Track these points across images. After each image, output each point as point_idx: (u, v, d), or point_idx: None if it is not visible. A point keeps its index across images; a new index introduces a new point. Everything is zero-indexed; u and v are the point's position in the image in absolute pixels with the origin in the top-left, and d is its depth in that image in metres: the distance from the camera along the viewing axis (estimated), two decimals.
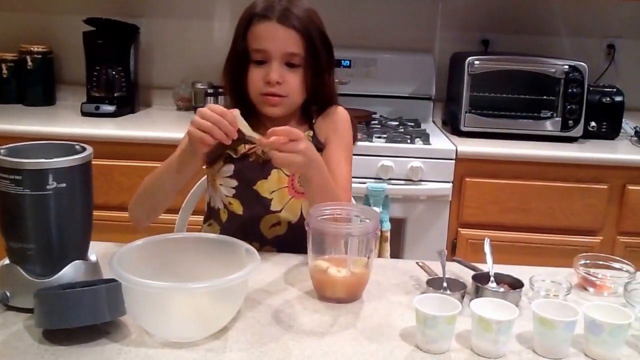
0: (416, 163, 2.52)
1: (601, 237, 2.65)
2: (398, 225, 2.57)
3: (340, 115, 1.67)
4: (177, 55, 3.14)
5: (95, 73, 2.81)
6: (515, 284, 1.32)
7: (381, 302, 1.30)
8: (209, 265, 1.20)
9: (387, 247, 2.45)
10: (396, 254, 2.53)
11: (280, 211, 1.59)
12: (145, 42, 3.09)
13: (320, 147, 1.59)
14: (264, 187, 1.58)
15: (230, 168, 1.59)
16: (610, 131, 2.87)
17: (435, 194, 2.55)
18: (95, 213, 2.41)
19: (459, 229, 2.62)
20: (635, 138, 2.87)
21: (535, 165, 2.60)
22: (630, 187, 2.60)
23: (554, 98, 2.78)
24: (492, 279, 1.34)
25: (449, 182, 2.56)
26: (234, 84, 1.57)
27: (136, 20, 3.01)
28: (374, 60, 3.05)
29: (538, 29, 3.12)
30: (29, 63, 2.88)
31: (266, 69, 1.50)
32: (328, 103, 1.65)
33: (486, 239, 1.44)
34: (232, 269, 1.12)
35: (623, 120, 2.96)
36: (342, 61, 3.01)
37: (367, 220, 1.29)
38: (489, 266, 1.37)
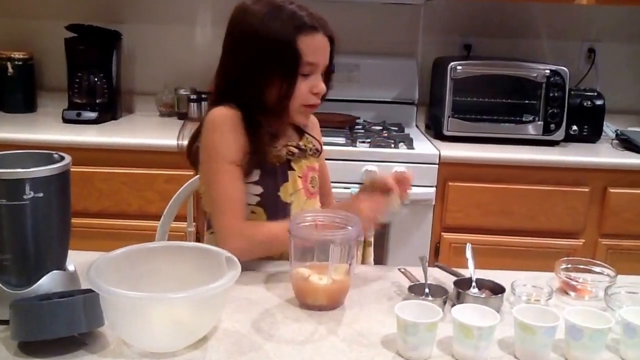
0: (400, 168, 2.52)
1: (583, 240, 2.67)
2: (382, 230, 2.57)
3: (315, 121, 1.73)
4: (160, 61, 3.13)
5: (76, 79, 2.79)
6: (497, 289, 1.32)
7: (363, 309, 1.30)
8: (189, 274, 1.19)
9: (371, 251, 2.43)
10: (380, 258, 2.53)
11: None
12: (127, 48, 3.07)
13: (319, 150, 1.68)
14: (285, 192, 1.57)
15: (257, 173, 1.54)
16: (591, 134, 2.89)
17: (418, 198, 2.55)
18: (75, 220, 2.39)
19: (442, 233, 2.63)
20: (616, 141, 2.89)
21: (517, 169, 2.61)
22: (611, 190, 2.62)
23: (535, 102, 2.79)
24: (473, 284, 1.34)
25: (432, 186, 2.57)
26: (257, 90, 1.51)
27: (118, 27, 2.99)
28: (357, 65, 3.05)
29: (520, 33, 3.14)
30: (10, 70, 2.85)
31: (312, 81, 1.50)
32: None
33: (468, 244, 1.44)
34: (213, 277, 1.10)
35: (604, 123, 2.99)
36: None
37: (349, 227, 1.29)
38: (470, 271, 1.37)
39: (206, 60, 3.10)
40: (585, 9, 3.03)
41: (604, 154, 2.73)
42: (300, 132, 1.66)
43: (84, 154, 2.52)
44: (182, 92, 2.97)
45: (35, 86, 3.02)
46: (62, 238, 1.23)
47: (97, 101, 2.80)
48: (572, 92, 2.88)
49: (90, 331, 1.12)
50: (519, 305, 1.18)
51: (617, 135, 2.92)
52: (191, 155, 1.60)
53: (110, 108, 2.88)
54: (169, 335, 1.11)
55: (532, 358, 1.12)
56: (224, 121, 1.49)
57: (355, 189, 2.46)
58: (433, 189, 2.57)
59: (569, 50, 3.15)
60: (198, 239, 2.31)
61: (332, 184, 2.52)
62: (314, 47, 1.47)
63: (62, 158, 1.22)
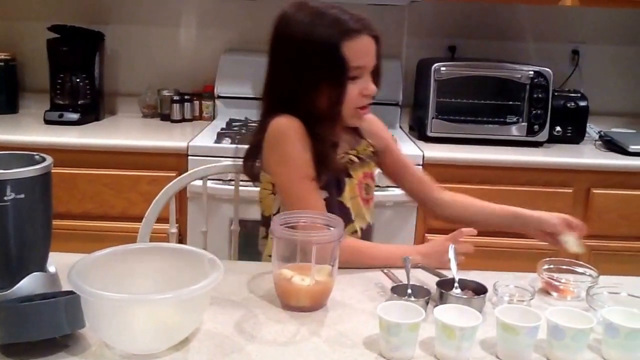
0: None
1: None
2: (366, 232, 2.55)
3: (380, 124, 1.73)
4: (143, 62, 3.12)
5: (59, 80, 2.77)
6: (479, 290, 1.32)
7: (345, 310, 1.30)
8: (172, 275, 1.18)
9: None
10: None
11: (354, 219, 1.62)
12: (110, 49, 3.06)
13: (376, 155, 1.69)
14: (346, 196, 1.59)
15: (322, 179, 1.54)
16: (575, 135, 2.91)
17: (402, 200, 2.54)
18: (58, 222, 2.37)
19: (426, 234, 2.63)
20: (600, 142, 2.91)
21: (501, 170, 2.62)
22: (595, 191, 2.64)
23: (519, 103, 2.81)
24: (456, 284, 1.34)
25: None
26: (308, 99, 1.51)
27: (101, 27, 2.98)
28: None
29: (504, 35, 3.16)
30: None
31: (361, 84, 1.49)
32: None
33: (451, 245, 1.44)
34: (195, 279, 1.10)
35: (588, 124, 3.01)
36: None
37: (332, 228, 1.28)
38: (453, 272, 1.37)
39: (190, 61, 3.13)
40: (569, 10, 3.06)
41: (587, 155, 2.75)
42: (358, 135, 1.66)
43: (66, 155, 2.51)
44: (165, 93, 2.96)
45: (17, 87, 3.01)
46: (43, 239, 1.22)
47: (80, 102, 2.80)
48: (556, 94, 2.90)
49: (71, 333, 1.11)
50: (501, 306, 1.18)
51: (600, 136, 2.94)
52: (249, 169, 1.62)
53: (92, 109, 2.87)
54: (151, 337, 1.10)
55: (515, 358, 1.12)
56: (294, 131, 1.49)
57: None
58: None
59: (554, 52, 3.17)
60: (180, 241, 2.31)
61: None
62: (359, 51, 1.46)
63: (44, 159, 1.21)
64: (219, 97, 3.04)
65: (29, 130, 2.67)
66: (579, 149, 2.86)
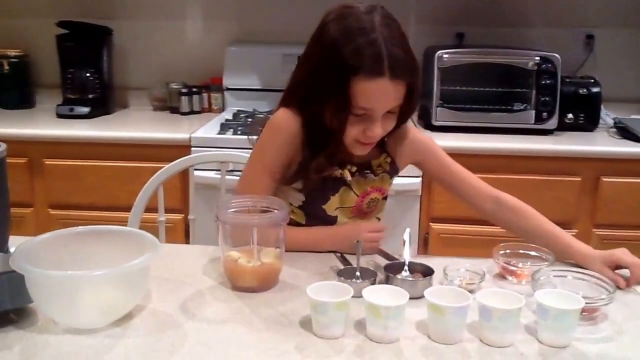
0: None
1: (576, 230, 2.63)
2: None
3: (414, 133, 1.62)
4: (151, 56, 3.19)
5: (69, 75, 2.86)
6: (427, 272, 1.32)
7: (293, 291, 1.32)
8: (116, 256, 1.21)
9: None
10: None
11: None
12: (119, 44, 3.13)
13: (395, 172, 1.61)
14: (331, 204, 1.55)
15: (299, 183, 1.53)
16: (587, 123, 2.84)
17: (405, 189, 2.55)
18: (67, 213, 2.47)
19: (430, 223, 2.62)
20: (614, 129, 2.83)
21: (508, 159, 2.58)
22: (604, 179, 2.58)
23: (527, 90, 2.76)
24: (406, 268, 1.34)
25: (418, 176, 2.56)
26: (317, 106, 1.44)
27: (109, 23, 3.06)
28: None
29: (515, 21, 3.10)
30: (5, 67, 2.94)
31: (366, 123, 1.40)
32: (407, 116, 1.55)
33: (406, 229, 1.44)
34: (136, 259, 1.14)
35: (603, 111, 2.94)
36: None
37: (275, 211, 1.31)
38: (406, 256, 1.37)
39: (197, 54, 3.18)
40: None
41: (597, 143, 2.69)
42: (379, 148, 1.56)
43: (75, 148, 2.60)
44: (173, 86, 3.02)
45: (31, 83, 3.11)
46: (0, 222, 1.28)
47: (90, 96, 2.88)
48: (568, 80, 2.84)
49: (16, 308, 1.17)
50: (432, 287, 1.18)
51: (615, 123, 2.86)
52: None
53: (103, 103, 2.95)
54: (93, 313, 1.15)
55: (445, 338, 1.12)
56: (284, 131, 1.48)
57: None
58: (419, 180, 2.55)
59: (567, 38, 3.09)
60: (186, 231, 2.35)
61: None
62: (369, 92, 1.34)
63: None
64: (228, 89, 3.08)
65: (41, 124, 2.77)
66: (591, 136, 2.79)
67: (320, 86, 1.40)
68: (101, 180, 2.60)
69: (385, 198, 1.65)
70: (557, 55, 2.72)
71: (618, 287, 1.32)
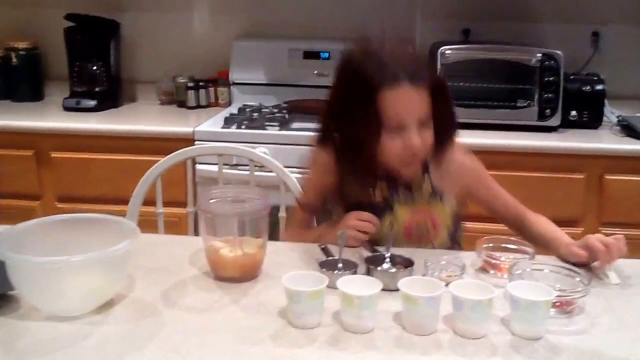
0: None
1: (582, 228, 2.61)
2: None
3: (459, 162, 1.63)
4: (159, 50, 3.20)
5: (76, 68, 2.89)
6: (409, 265, 1.34)
7: (274, 281, 1.32)
8: (97, 244, 1.23)
9: None
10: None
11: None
12: (128, 37, 3.15)
13: (440, 195, 1.60)
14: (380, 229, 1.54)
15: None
16: (591, 120, 2.82)
17: None
18: (74, 205, 2.50)
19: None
20: (618, 127, 2.81)
21: (511, 156, 2.57)
22: (608, 177, 2.56)
23: (530, 87, 2.74)
24: (387, 260, 1.36)
25: None
26: (351, 138, 1.49)
27: (117, 15, 3.08)
28: None
29: (522, 17, 3.08)
30: (14, 59, 2.98)
31: (403, 136, 1.43)
32: (447, 135, 1.57)
33: (390, 222, 1.45)
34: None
35: (608, 108, 2.92)
36: (322, 53, 3.03)
37: (257, 201, 1.32)
38: (388, 248, 1.39)
39: (204, 48, 3.20)
40: None
41: (601, 140, 2.66)
42: (423, 173, 1.58)
43: (81, 141, 2.64)
44: (180, 80, 3.04)
45: (41, 75, 3.14)
46: None
47: (97, 89, 2.91)
48: (572, 77, 2.82)
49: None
50: (406, 278, 1.19)
51: (618, 121, 2.84)
52: None
53: (110, 96, 2.98)
54: (73, 299, 1.18)
55: (418, 329, 1.13)
56: (314, 167, 1.65)
57: None
58: None
59: (573, 34, 3.06)
60: (196, 225, 2.36)
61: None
62: (394, 101, 1.41)
63: None
64: (234, 83, 3.11)
65: (49, 117, 2.81)
66: (594, 134, 2.77)
67: (352, 109, 1.46)
68: (108, 173, 2.63)
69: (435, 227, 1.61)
70: (559, 52, 2.70)
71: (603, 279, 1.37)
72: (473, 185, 1.66)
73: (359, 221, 1.50)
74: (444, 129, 1.52)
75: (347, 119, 1.47)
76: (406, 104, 1.42)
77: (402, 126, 1.43)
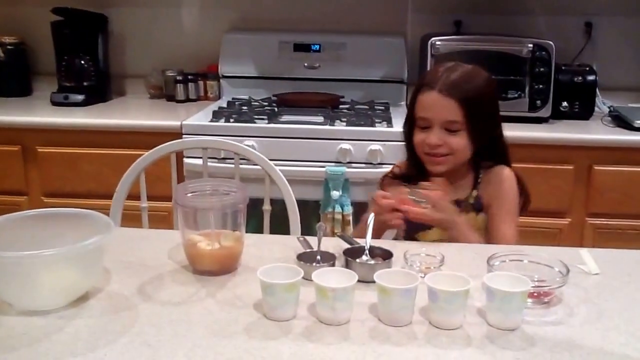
0: (375, 146, 2.52)
1: (569, 219, 2.61)
2: (361, 209, 2.57)
3: (505, 180, 1.74)
4: (148, 44, 3.19)
5: (64, 63, 2.88)
6: (388, 257, 1.33)
7: (252, 274, 1.30)
8: (72, 238, 1.23)
9: (350, 229, 2.47)
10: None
11: None
12: (116, 32, 3.14)
13: (479, 208, 1.71)
14: (425, 238, 1.68)
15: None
16: (583, 111, 2.81)
17: None
18: (62, 201, 2.49)
19: None
20: (608, 118, 2.80)
21: None
22: (596, 168, 2.55)
23: (521, 78, 2.73)
24: (366, 252, 1.35)
25: None
26: (407, 141, 1.75)
27: (105, 10, 3.07)
28: (343, 44, 3.05)
29: (514, 8, 3.07)
30: (1, 54, 2.97)
31: (427, 133, 1.66)
32: (498, 159, 1.76)
33: (371, 214, 1.44)
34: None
35: (600, 99, 2.91)
36: (312, 45, 3.03)
37: (235, 194, 1.31)
38: (367, 240, 1.38)
39: (193, 42, 3.18)
40: None
41: (591, 131, 2.66)
42: (473, 183, 1.74)
43: (69, 135, 2.62)
44: (169, 73, 3.03)
45: (28, 70, 3.13)
46: None
47: (85, 84, 2.89)
48: (563, 68, 2.81)
49: None
50: (383, 270, 1.18)
51: (609, 111, 2.83)
52: None
53: (98, 91, 2.97)
54: (46, 294, 1.17)
55: (393, 320, 1.13)
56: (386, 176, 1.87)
57: (330, 167, 2.48)
58: None
59: (566, 25, 3.06)
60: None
61: (309, 163, 2.54)
62: (424, 103, 1.66)
63: None
64: (224, 77, 3.09)
65: (36, 112, 2.80)
66: (585, 125, 2.76)
67: (409, 105, 1.75)
68: (95, 168, 2.63)
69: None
70: (551, 42, 2.69)
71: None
72: (492, 196, 1.73)
73: (385, 200, 1.56)
74: (485, 145, 1.70)
75: (407, 113, 1.76)
76: (432, 107, 1.64)
77: (427, 125, 1.66)
